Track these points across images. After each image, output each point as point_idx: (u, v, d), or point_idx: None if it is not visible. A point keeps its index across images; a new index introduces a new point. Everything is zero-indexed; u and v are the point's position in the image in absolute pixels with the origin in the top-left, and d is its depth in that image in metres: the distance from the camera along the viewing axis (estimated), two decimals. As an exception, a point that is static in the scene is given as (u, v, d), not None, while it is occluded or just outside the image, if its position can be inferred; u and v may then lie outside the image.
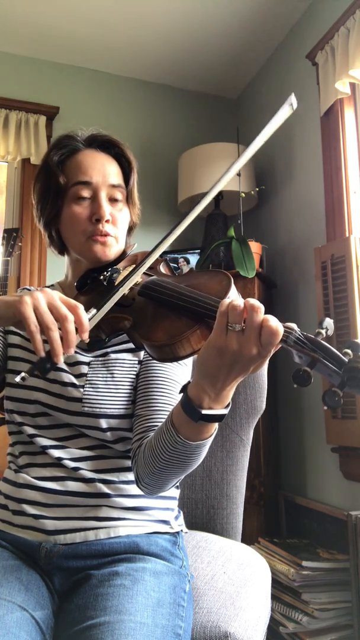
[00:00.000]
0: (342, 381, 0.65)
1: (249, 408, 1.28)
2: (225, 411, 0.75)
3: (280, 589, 1.89)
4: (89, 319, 0.79)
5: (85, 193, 1.01)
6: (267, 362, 0.71)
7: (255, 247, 2.52)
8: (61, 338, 0.74)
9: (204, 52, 2.94)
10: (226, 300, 0.71)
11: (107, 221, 1.01)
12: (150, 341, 0.79)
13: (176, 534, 1.01)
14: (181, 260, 2.87)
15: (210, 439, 0.80)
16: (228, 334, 0.69)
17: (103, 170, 1.02)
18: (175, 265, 2.87)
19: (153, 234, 2.96)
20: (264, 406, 1.28)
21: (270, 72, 2.98)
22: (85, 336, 0.77)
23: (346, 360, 0.66)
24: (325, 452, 2.25)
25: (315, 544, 2.13)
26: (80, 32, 2.79)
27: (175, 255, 2.89)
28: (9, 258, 2.48)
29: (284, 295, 2.70)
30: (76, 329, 0.75)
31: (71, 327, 0.74)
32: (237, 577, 1.02)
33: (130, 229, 1.12)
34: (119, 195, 1.04)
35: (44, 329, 0.73)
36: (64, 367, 0.99)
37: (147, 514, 0.97)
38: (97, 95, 3.06)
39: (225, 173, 0.81)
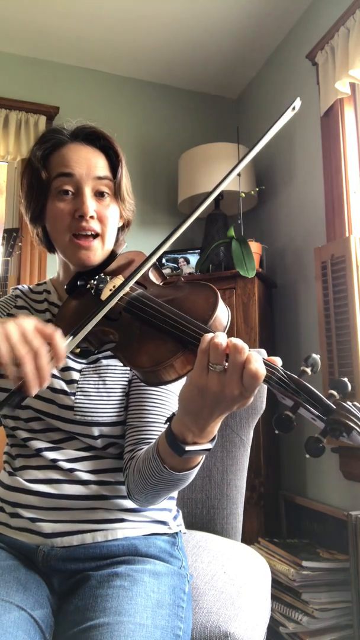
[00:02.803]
0: (325, 429, 0.63)
1: (249, 408, 1.28)
2: (210, 445, 0.74)
3: (280, 589, 1.89)
4: (66, 344, 0.74)
5: (68, 187, 0.96)
6: (251, 400, 0.69)
7: (255, 247, 2.52)
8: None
9: (204, 52, 2.94)
10: (207, 337, 0.68)
11: (91, 217, 0.95)
12: (135, 366, 0.78)
13: (175, 535, 1.00)
14: (181, 260, 2.87)
15: (197, 468, 0.80)
16: (209, 374, 0.67)
17: (87, 163, 0.97)
18: (175, 265, 2.87)
19: (153, 234, 2.96)
20: (264, 406, 1.28)
21: (270, 72, 2.98)
22: (60, 365, 0.73)
23: (332, 407, 0.64)
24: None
25: (315, 544, 2.12)
26: (80, 32, 2.79)
27: (176, 256, 2.88)
28: (9, 258, 2.48)
29: (284, 295, 2.70)
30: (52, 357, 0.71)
31: (43, 361, 0.69)
32: (237, 577, 1.02)
33: (124, 227, 1.08)
34: (105, 188, 0.98)
35: (17, 362, 0.68)
36: (55, 372, 0.97)
37: (144, 515, 0.96)
38: (97, 95, 3.06)
39: (223, 179, 0.80)
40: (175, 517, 1.04)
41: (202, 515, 1.28)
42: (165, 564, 0.92)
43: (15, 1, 2.57)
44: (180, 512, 1.10)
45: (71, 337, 0.77)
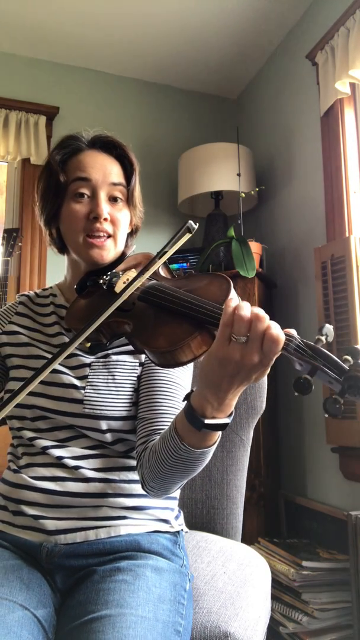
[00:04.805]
0: (343, 389, 0.66)
1: (249, 408, 1.28)
2: (228, 420, 0.76)
3: (280, 589, 1.89)
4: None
5: (84, 190, 1.01)
6: (269, 369, 0.71)
7: (255, 247, 2.52)
8: None
9: (204, 52, 2.94)
10: (229, 309, 0.70)
11: (105, 219, 1.01)
12: (151, 348, 0.80)
13: (177, 534, 1.01)
14: (181, 260, 2.87)
15: (214, 446, 0.81)
16: (231, 345, 0.69)
17: (104, 169, 1.03)
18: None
19: (153, 234, 2.96)
20: (264, 406, 1.28)
21: (270, 72, 2.98)
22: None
23: (347, 367, 0.67)
24: (325, 452, 2.25)
25: (315, 544, 2.13)
26: (80, 32, 2.79)
27: (175, 255, 2.88)
28: (9, 258, 2.48)
29: (284, 295, 2.70)
30: None
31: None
32: (237, 577, 1.02)
33: (133, 232, 1.12)
34: (119, 194, 1.04)
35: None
36: (64, 370, 0.99)
37: (147, 513, 0.97)
38: (97, 95, 3.06)
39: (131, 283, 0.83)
40: (177, 517, 1.04)
41: (202, 515, 1.28)
42: (167, 561, 0.93)
43: (15, 1, 2.57)
44: (182, 512, 1.10)
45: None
